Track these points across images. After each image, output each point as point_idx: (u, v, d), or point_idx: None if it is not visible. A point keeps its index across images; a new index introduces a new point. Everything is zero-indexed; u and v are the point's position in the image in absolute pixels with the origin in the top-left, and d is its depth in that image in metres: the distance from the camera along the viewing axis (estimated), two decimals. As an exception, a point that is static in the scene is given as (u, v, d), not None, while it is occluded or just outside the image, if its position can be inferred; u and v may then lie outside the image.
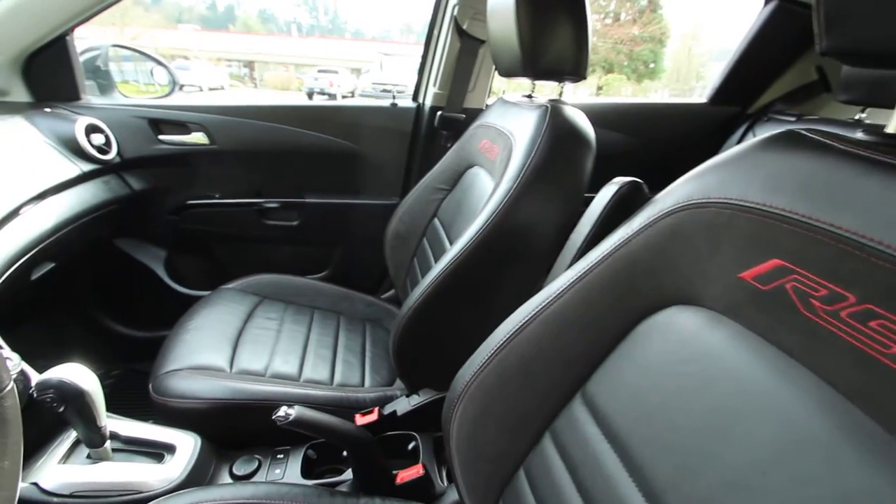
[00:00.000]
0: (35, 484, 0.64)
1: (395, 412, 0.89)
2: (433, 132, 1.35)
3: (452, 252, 0.78)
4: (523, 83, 0.96)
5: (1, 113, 0.97)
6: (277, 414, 0.66)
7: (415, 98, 1.42)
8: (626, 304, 0.48)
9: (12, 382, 0.43)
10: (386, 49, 16.16)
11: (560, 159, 0.77)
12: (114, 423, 0.75)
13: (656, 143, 1.48)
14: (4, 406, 0.42)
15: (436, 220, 1.13)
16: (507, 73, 0.90)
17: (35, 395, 0.62)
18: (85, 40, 1.18)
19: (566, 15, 0.77)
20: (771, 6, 1.35)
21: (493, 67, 1.31)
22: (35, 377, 0.72)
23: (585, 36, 0.79)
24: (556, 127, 0.77)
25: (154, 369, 0.89)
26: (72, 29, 1.03)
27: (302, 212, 1.40)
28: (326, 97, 14.94)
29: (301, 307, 1.17)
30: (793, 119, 1.37)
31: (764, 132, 1.55)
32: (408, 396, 0.92)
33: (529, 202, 0.76)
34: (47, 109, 1.06)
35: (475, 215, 0.92)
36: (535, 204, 0.76)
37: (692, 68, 23.36)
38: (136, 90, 1.40)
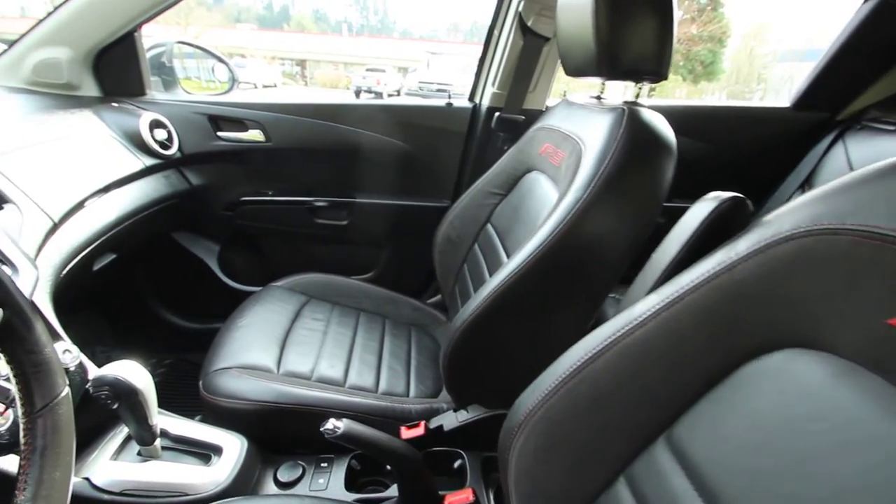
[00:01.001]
0: (87, 479, 0.64)
1: (441, 427, 0.85)
2: (489, 134, 1.30)
3: (512, 265, 0.73)
4: (581, 84, 0.90)
5: (72, 107, 1.00)
6: (325, 427, 0.64)
7: (471, 98, 1.37)
8: (726, 342, 0.42)
9: (67, 388, 0.42)
10: (433, 48, 16.21)
11: (637, 168, 0.70)
12: (164, 421, 0.75)
13: (732, 149, 1.36)
14: (58, 413, 0.40)
15: (489, 226, 1.08)
16: (576, 72, 0.83)
17: (91, 391, 0.62)
18: (151, 38, 1.21)
19: (650, 8, 0.70)
20: (871, 4, 1.21)
21: (557, 67, 1.24)
22: (92, 370, 0.73)
23: (670, 31, 0.72)
24: (633, 132, 0.70)
25: (205, 365, 0.90)
26: (139, 26, 1.06)
27: (351, 211, 1.38)
28: (373, 95, 15.20)
29: (347, 308, 1.16)
30: (892, 128, 1.23)
31: (857, 142, 1.40)
32: (455, 411, 0.88)
33: (600, 214, 0.69)
34: (114, 104, 1.09)
35: (535, 224, 0.87)
36: (606, 216, 0.70)
37: (753, 70, 22.08)
38: (198, 86, 1.44)
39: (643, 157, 0.71)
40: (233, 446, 0.75)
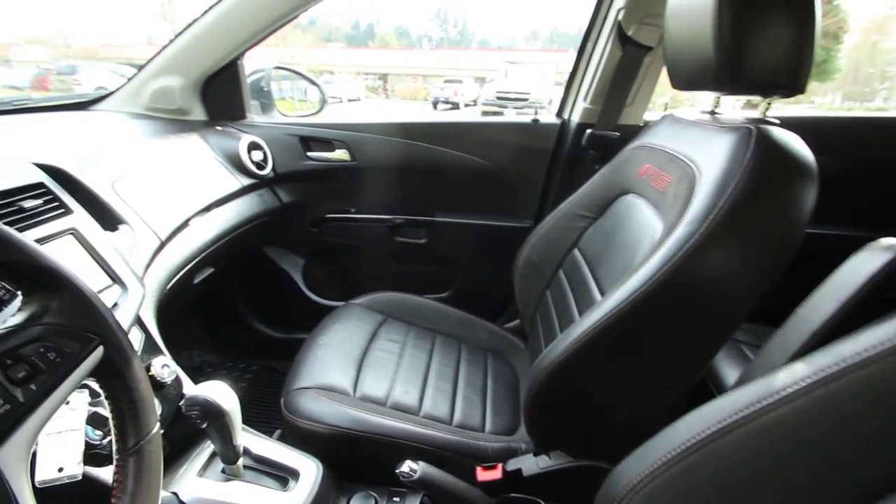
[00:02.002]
0: (175, 494, 0.67)
1: (520, 471, 0.79)
2: (579, 152, 1.22)
3: (610, 303, 0.65)
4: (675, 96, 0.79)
5: (182, 131, 1.09)
6: (401, 469, 0.61)
7: (559, 114, 1.30)
8: None
9: (157, 425, 0.42)
10: (510, 57, 16.15)
11: (768, 198, 0.59)
12: (247, 439, 0.76)
13: (882, 169, 1.14)
14: (149, 451, 0.40)
15: (576, 252, 1.00)
16: (687, 84, 0.74)
17: (183, 409, 0.65)
18: (251, 59, 1.29)
19: (788, 8, 0.60)
20: None
21: (658, 79, 1.13)
22: (187, 384, 0.77)
23: (812, 36, 0.61)
24: (763, 156, 0.60)
25: (287, 382, 0.91)
26: (242, 54, 1.12)
27: (430, 230, 1.37)
28: (450, 106, 15.46)
29: (423, 330, 1.14)
30: None
31: None
32: (535, 455, 0.81)
33: (720, 251, 0.60)
34: (218, 128, 1.17)
35: (633, 255, 0.78)
36: (728, 254, 0.60)
37: (877, 68, 19.35)
38: (291, 106, 1.51)
39: (776, 185, 0.60)
40: (309, 472, 0.75)
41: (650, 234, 0.74)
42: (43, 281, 0.36)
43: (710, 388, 1.00)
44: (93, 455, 0.53)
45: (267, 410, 1.24)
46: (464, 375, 1.03)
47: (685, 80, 0.74)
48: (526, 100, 10.21)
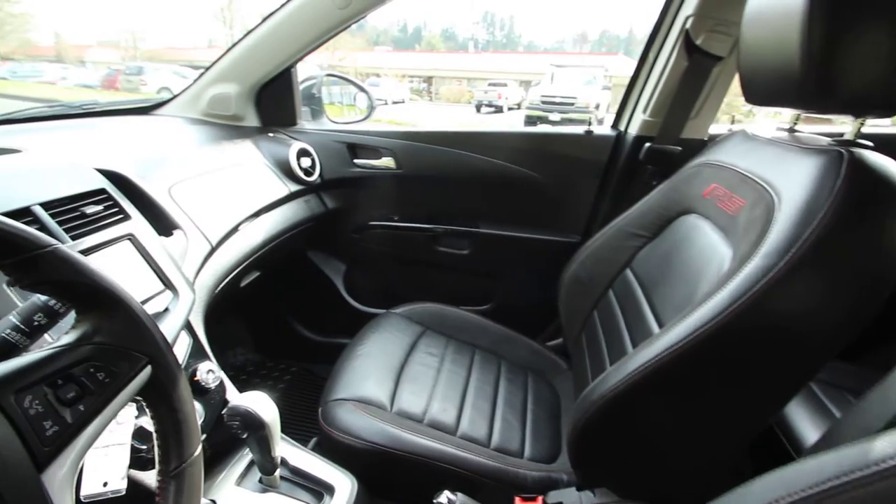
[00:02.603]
0: (213, 502, 0.67)
1: None
2: (635, 166, 1.16)
3: (672, 336, 0.60)
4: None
5: (236, 137, 1.11)
6: (439, 499, 0.59)
7: (615, 125, 1.24)
8: None
9: (200, 448, 0.41)
10: (557, 60, 15.86)
11: (863, 230, 0.53)
12: (285, 449, 0.76)
13: None
14: (189, 473, 0.40)
15: (628, 273, 0.94)
16: (765, 99, 0.67)
17: (225, 418, 0.65)
18: (303, 64, 1.31)
19: (891, 17, 0.53)
20: None
21: (727, 92, 1.05)
22: (231, 391, 0.78)
23: None
24: (858, 183, 0.53)
25: (325, 392, 0.91)
26: (297, 61, 1.14)
27: (473, 241, 1.34)
28: (493, 109, 15.38)
29: (462, 344, 1.11)
30: None
31: None
32: (578, 490, 0.76)
33: (804, 287, 0.54)
34: (270, 134, 1.19)
35: (695, 281, 0.72)
36: (813, 290, 0.54)
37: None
38: (340, 111, 1.52)
39: (871, 214, 0.53)
40: (344, 488, 0.74)
41: (717, 262, 0.68)
42: (97, 300, 0.36)
43: (777, 431, 0.91)
44: (137, 458, 0.54)
45: (304, 414, 1.26)
46: (503, 395, 1.00)
47: (762, 94, 0.67)
48: (572, 104, 9.98)
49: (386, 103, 15.88)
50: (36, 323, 0.39)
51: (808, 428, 0.89)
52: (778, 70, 0.60)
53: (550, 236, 1.29)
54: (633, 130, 1.16)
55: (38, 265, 0.33)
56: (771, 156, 0.68)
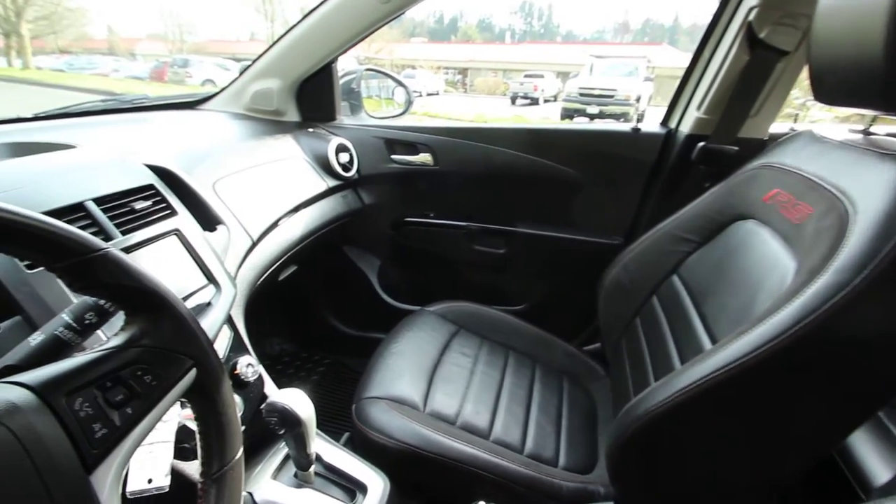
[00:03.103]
0: (250, 494, 0.68)
1: None
2: (687, 166, 1.10)
3: (729, 353, 0.56)
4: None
5: (277, 132, 1.13)
6: None
7: (664, 123, 1.18)
8: None
9: (241, 451, 0.41)
10: (597, 51, 15.37)
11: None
12: (320, 445, 0.77)
13: None
14: (231, 476, 0.40)
15: (675, 279, 0.90)
16: (840, 99, 0.62)
17: (263, 414, 0.66)
18: (341, 57, 1.30)
19: None
20: None
21: (791, 89, 0.98)
22: (269, 384, 0.79)
23: None
24: None
25: (359, 389, 0.91)
26: (337, 57, 1.14)
27: (510, 240, 1.31)
28: (529, 101, 15.12)
29: (496, 345, 1.09)
30: None
31: None
32: None
33: (882, 308, 0.49)
34: (310, 129, 1.20)
35: (752, 293, 0.68)
36: (890, 310, 0.49)
37: None
38: (378, 105, 1.52)
39: None
40: (377, 488, 0.74)
41: (778, 274, 0.64)
42: (145, 303, 0.36)
43: (839, 463, 0.85)
44: (180, 450, 0.55)
45: (337, 408, 1.27)
46: (537, 399, 0.98)
47: (836, 93, 0.61)
48: (611, 96, 9.66)
49: (420, 95, 15.89)
50: (87, 321, 0.40)
51: (876, 463, 0.82)
52: (856, 67, 0.55)
53: (591, 237, 1.25)
54: (686, 128, 1.10)
55: (91, 269, 0.33)
56: (844, 161, 0.62)
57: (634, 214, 1.19)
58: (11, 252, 0.31)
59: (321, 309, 1.48)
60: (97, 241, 0.33)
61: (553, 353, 1.12)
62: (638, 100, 10.01)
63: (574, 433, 0.93)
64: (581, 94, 9.92)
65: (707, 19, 1.05)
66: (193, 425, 0.41)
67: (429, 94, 16.95)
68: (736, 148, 1.02)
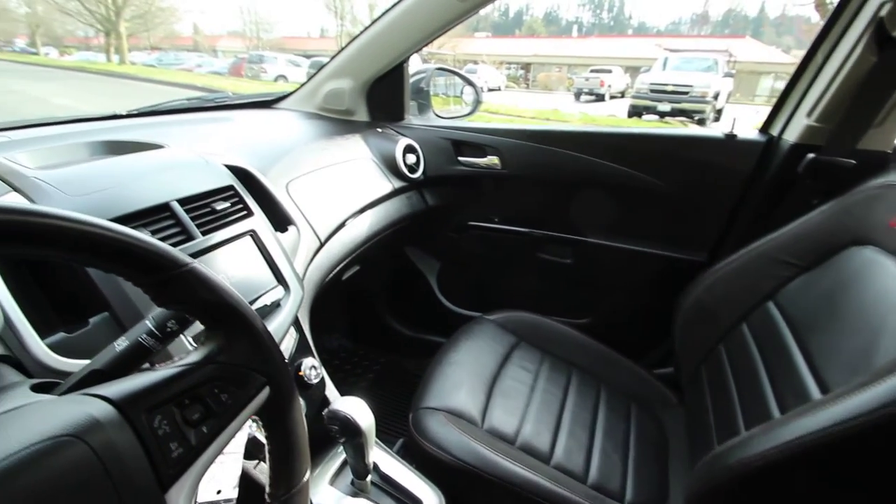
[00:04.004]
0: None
1: None
2: (791, 180, 0.98)
3: (849, 407, 0.48)
4: None
5: (347, 132, 1.13)
6: None
7: (765, 129, 1.05)
8: None
9: (308, 474, 0.40)
10: (671, 44, 14.50)
11: None
12: (377, 454, 0.76)
13: None
14: (297, 500, 0.39)
15: (771, 306, 0.80)
16: None
17: (325, 420, 0.65)
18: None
19: None
20: None
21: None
22: (330, 387, 0.79)
23: None
24: None
25: (416, 397, 0.90)
26: (409, 56, 1.12)
27: (578, 250, 1.24)
28: (594, 98, 14.57)
29: (558, 361, 1.04)
30: None
31: None
32: None
33: None
34: (379, 130, 1.20)
35: (874, 334, 0.59)
36: None
37: None
38: (445, 102, 1.49)
39: None
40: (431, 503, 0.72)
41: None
42: (225, 320, 0.35)
43: None
44: (248, 455, 0.56)
45: (392, 409, 1.26)
46: (603, 424, 0.92)
47: None
48: (686, 93, 9.04)
49: (482, 90, 15.74)
50: (169, 329, 0.40)
51: None
52: None
53: (669, 252, 1.15)
54: (792, 137, 0.97)
55: (176, 285, 0.33)
56: None
57: (722, 230, 1.08)
58: (100, 266, 0.31)
59: (379, 308, 1.49)
60: (183, 257, 0.33)
61: (620, 373, 1.05)
62: (716, 97, 9.33)
63: (642, 465, 0.87)
64: (652, 90, 9.38)
65: (801, 10, 0.92)
66: (262, 437, 0.40)
67: (490, 90, 16.79)
68: (854, 161, 0.89)
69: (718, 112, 9.86)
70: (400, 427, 1.19)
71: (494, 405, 0.90)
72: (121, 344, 0.40)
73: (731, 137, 1.02)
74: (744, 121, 1.12)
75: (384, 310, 1.49)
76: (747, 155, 1.02)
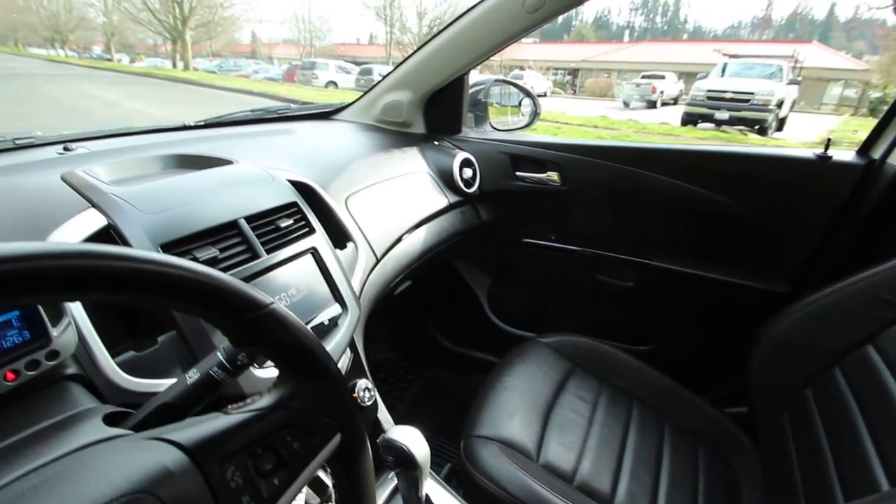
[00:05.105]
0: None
1: None
2: (895, 208, 0.88)
3: None
4: None
5: (404, 145, 1.12)
6: None
7: (863, 151, 0.95)
8: None
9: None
10: (730, 49, 13.78)
11: None
12: (430, 486, 0.73)
13: None
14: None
15: (871, 350, 0.71)
16: None
17: (381, 450, 0.63)
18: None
19: None
20: None
21: None
22: (382, 413, 0.77)
23: None
24: None
25: (468, 423, 0.86)
26: (470, 69, 1.09)
27: (641, 273, 1.17)
28: (645, 104, 14.08)
29: (617, 392, 0.98)
30: None
31: None
32: None
33: None
34: (436, 143, 1.18)
35: None
36: None
37: None
38: (500, 112, 1.46)
39: None
40: (484, 545, 0.68)
41: None
42: (302, 364, 0.34)
43: None
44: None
45: (437, 428, 1.23)
46: (668, 467, 0.85)
47: None
48: (747, 100, 8.55)
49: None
50: (239, 362, 0.39)
51: None
52: None
53: (744, 280, 1.06)
54: None
55: (255, 327, 0.31)
56: None
57: (809, 260, 0.98)
58: (181, 308, 0.29)
59: (426, 322, 1.46)
60: (264, 297, 0.31)
61: (686, 409, 0.97)
62: (779, 105, 8.78)
63: (713, 516, 0.79)
64: (709, 98, 8.93)
65: (877, 13, 0.82)
66: (327, 479, 0.38)
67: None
68: None
69: (781, 121, 9.27)
70: (446, 448, 1.16)
71: (550, 438, 0.85)
72: (192, 376, 0.39)
73: (823, 159, 0.92)
74: (808, 130, 1.01)
75: (431, 324, 1.46)
76: (843, 179, 0.92)
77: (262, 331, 0.31)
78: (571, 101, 18.23)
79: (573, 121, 9.00)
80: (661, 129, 8.41)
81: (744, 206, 1.01)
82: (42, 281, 0.23)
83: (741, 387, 1.09)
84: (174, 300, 0.28)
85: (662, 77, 14.75)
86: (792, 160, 0.98)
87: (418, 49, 1.09)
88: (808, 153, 0.95)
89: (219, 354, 0.39)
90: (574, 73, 25.19)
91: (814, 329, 0.80)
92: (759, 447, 0.89)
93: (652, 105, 14.00)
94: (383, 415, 0.78)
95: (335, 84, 15.81)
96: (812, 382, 0.79)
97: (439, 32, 1.04)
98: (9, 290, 0.21)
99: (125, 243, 0.53)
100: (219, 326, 0.30)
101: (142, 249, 0.53)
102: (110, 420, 0.37)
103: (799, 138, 8.22)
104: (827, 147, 0.92)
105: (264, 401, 0.33)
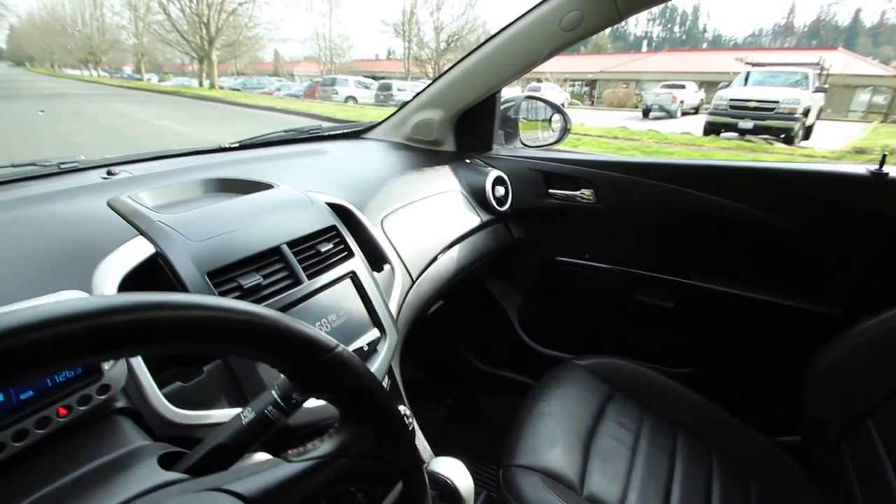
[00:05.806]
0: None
1: None
2: None
3: None
4: None
5: (435, 163, 1.11)
6: None
7: None
8: None
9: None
10: (753, 57, 13.57)
11: None
12: (470, 519, 0.70)
13: None
14: None
15: None
16: None
17: (423, 482, 0.61)
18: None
19: None
20: None
21: None
22: (420, 440, 0.75)
23: None
24: None
25: (507, 451, 0.83)
26: (503, 87, 1.09)
27: (681, 293, 1.13)
28: (665, 114, 13.91)
29: (661, 420, 0.93)
30: None
31: None
32: None
33: None
34: (467, 161, 1.17)
35: None
36: None
37: None
38: (529, 127, 1.44)
39: None
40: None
41: None
42: (366, 409, 0.32)
43: None
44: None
45: (466, 445, 1.20)
46: (720, 503, 0.80)
47: None
48: (772, 109, 8.37)
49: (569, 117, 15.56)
50: (294, 401, 0.38)
51: None
52: None
53: (792, 302, 1.01)
54: None
55: (323, 371, 0.30)
56: None
57: (863, 282, 0.93)
58: (245, 354, 0.28)
59: (455, 341, 1.44)
60: (329, 341, 0.30)
61: (734, 439, 0.92)
62: (806, 113, 8.57)
63: (772, 557, 0.74)
64: (732, 107, 8.78)
65: None
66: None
67: (553, 108, 16.54)
68: None
69: (808, 129, 9.04)
70: (482, 475, 1.12)
71: (593, 468, 0.82)
72: (246, 416, 0.38)
73: (879, 175, 0.88)
74: (836, 138, 0.97)
75: (460, 343, 1.44)
76: None
77: (326, 376, 0.30)
78: (590, 111, 18.14)
79: (592, 132, 8.93)
80: (682, 139, 8.28)
81: (791, 225, 0.96)
82: (100, 341, 0.22)
83: (790, 414, 1.04)
84: (240, 346, 0.27)
85: (683, 87, 14.59)
86: (843, 176, 0.93)
87: (450, 68, 1.09)
88: (862, 169, 0.91)
89: (273, 393, 0.37)
90: (591, 84, 25.13)
91: (876, 356, 0.75)
92: (815, 480, 0.84)
93: (671, 115, 13.83)
94: (421, 443, 0.76)
95: (354, 99, 16.13)
96: (875, 412, 0.74)
97: (472, 51, 1.04)
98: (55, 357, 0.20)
99: (172, 271, 0.53)
100: (284, 371, 0.29)
101: (190, 278, 0.53)
102: (164, 461, 0.36)
103: (827, 147, 8.00)
104: (882, 163, 0.88)
105: (325, 446, 0.31)
